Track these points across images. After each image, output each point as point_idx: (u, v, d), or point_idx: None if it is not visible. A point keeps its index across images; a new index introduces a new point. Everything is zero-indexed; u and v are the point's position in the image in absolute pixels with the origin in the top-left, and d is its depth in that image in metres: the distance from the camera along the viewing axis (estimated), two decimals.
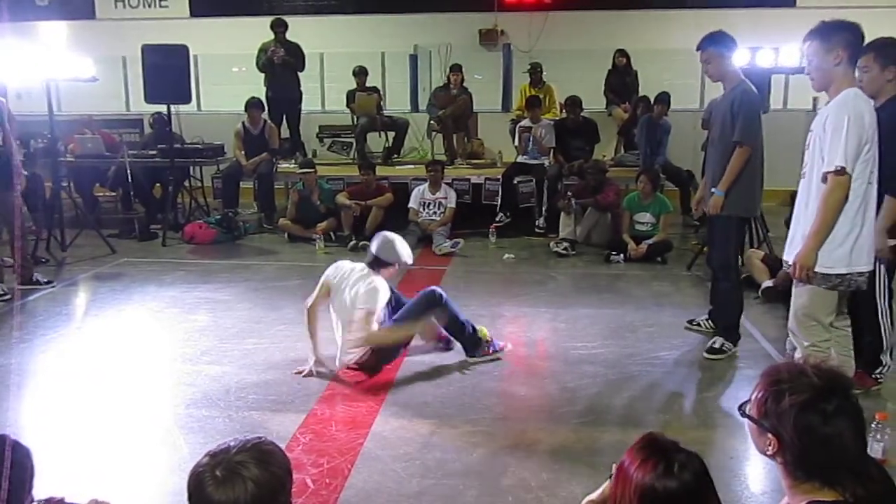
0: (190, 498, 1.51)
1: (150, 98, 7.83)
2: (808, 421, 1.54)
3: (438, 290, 4.31)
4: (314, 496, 2.88)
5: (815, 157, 3.06)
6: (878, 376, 3.85)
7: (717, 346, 4.47)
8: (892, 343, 3.86)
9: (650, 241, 6.86)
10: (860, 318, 3.93)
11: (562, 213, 7.44)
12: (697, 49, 4.37)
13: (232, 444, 1.55)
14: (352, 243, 7.36)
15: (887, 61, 3.53)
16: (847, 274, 3.04)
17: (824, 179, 2.96)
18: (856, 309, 3.88)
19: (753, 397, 1.67)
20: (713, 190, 4.37)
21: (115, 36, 10.73)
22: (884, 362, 3.84)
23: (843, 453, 1.54)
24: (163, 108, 8.10)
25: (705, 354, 4.46)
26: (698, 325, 4.92)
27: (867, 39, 3.54)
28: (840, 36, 2.99)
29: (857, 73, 3.50)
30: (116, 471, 3.13)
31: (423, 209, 7.75)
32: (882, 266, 3.72)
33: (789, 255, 3.18)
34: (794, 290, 3.21)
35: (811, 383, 1.56)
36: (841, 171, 2.90)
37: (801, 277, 3.07)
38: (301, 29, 9.62)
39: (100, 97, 9.97)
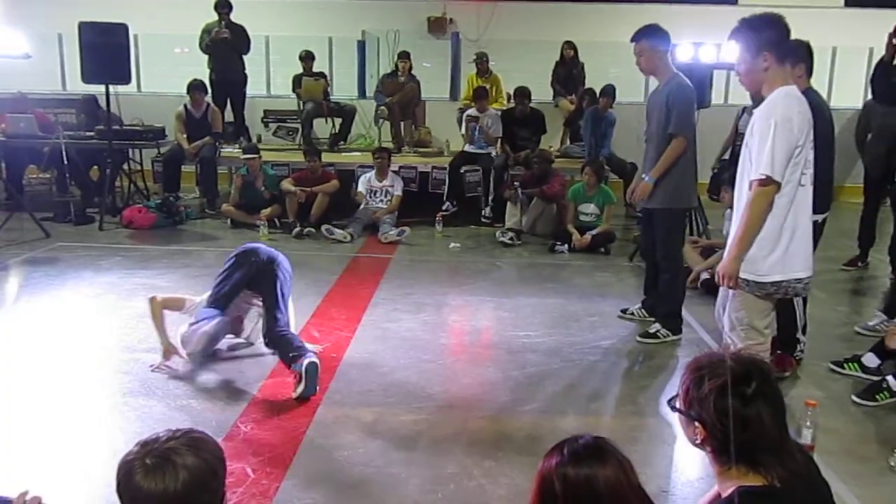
0: (118, 487, 1.45)
1: (86, 77, 7.57)
2: (728, 404, 1.58)
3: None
4: (254, 485, 2.85)
5: (745, 163, 2.96)
6: (797, 356, 4.07)
7: (651, 331, 4.59)
8: (804, 323, 4.06)
9: (594, 232, 6.95)
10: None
11: (508, 203, 7.50)
12: (631, 41, 4.45)
13: (162, 433, 1.51)
14: (296, 230, 7.28)
15: (797, 61, 3.68)
16: (783, 281, 2.94)
17: (750, 186, 2.88)
18: None
19: (680, 390, 1.72)
20: (643, 177, 4.49)
21: (51, 11, 10.34)
22: (800, 341, 4.06)
23: (763, 435, 1.58)
24: (99, 89, 7.84)
25: (638, 338, 4.59)
26: (632, 314, 5.02)
27: (805, 38, 3.78)
28: (764, 36, 2.85)
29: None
30: (49, 462, 3.04)
31: (370, 197, 7.70)
32: None
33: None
34: (728, 294, 3.10)
35: (730, 368, 1.61)
36: (766, 181, 2.80)
37: (728, 286, 2.99)
38: (246, 11, 9.42)
39: (34, 75, 9.60)
